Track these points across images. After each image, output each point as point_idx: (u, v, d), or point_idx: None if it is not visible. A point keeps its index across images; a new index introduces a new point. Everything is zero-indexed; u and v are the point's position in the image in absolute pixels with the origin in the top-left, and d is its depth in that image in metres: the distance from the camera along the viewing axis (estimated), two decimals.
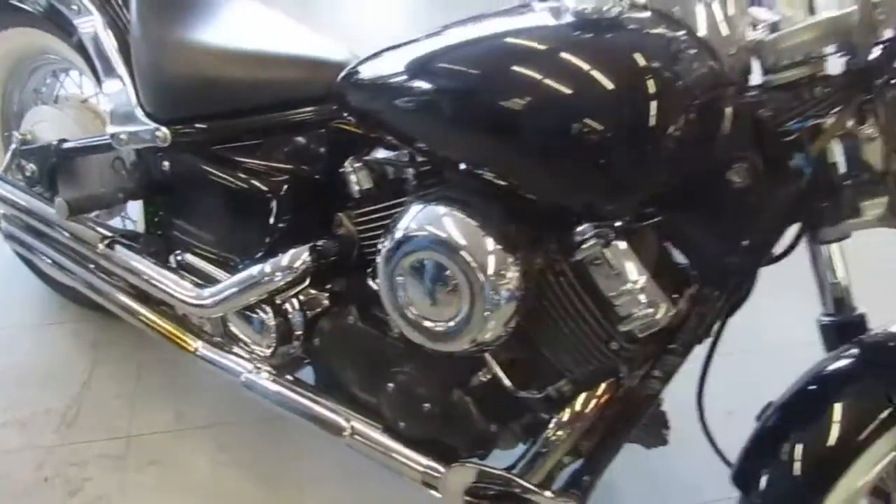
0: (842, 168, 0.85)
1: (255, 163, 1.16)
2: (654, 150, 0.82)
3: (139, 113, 1.18)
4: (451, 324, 0.93)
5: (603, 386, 0.98)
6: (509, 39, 0.87)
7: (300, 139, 1.14)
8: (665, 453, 1.15)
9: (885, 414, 0.85)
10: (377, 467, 1.10)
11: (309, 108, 1.10)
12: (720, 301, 0.92)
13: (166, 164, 1.22)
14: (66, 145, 1.34)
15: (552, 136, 0.83)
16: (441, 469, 1.02)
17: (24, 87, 1.57)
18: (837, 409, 0.87)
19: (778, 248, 0.93)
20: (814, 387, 0.91)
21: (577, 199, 0.89)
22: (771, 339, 1.62)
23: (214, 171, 1.17)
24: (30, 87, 1.57)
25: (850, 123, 0.82)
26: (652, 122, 0.80)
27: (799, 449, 0.88)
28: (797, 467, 0.88)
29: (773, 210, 0.86)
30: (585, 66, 0.80)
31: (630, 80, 0.80)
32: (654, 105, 0.79)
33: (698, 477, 1.31)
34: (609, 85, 0.80)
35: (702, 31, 0.84)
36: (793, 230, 0.91)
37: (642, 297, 0.90)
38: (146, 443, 1.42)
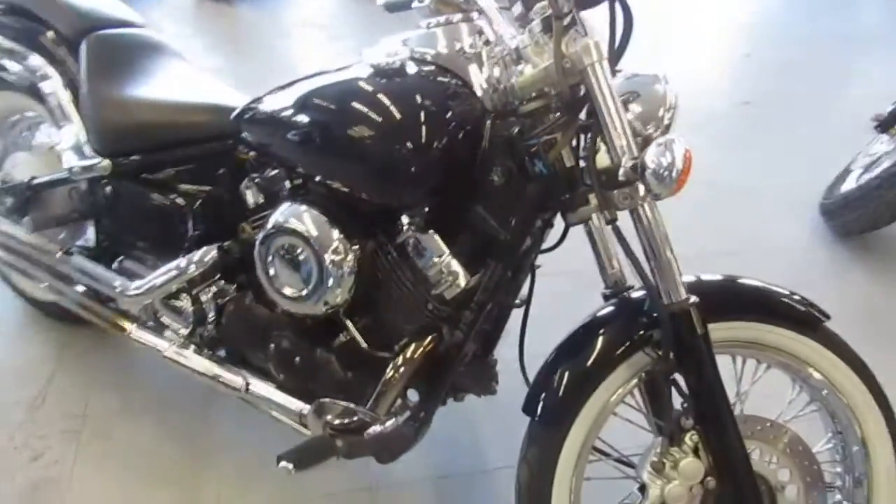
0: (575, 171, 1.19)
1: (175, 186, 1.50)
2: (427, 160, 1.16)
3: (87, 150, 1.52)
4: (306, 292, 1.26)
5: (428, 338, 1.30)
6: (330, 91, 1.22)
7: (209, 166, 1.48)
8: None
9: (620, 350, 1.18)
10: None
11: (213, 142, 1.45)
12: (503, 273, 1.25)
13: (108, 189, 1.57)
14: (35, 182, 1.69)
15: (361, 154, 1.18)
16: (307, 408, 1.34)
17: (5, 138, 1.92)
18: (591, 346, 1.20)
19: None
20: (579, 332, 1.24)
21: (385, 196, 1.23)
22: None
23: (144, 193, 1.52)
24: (10, 139, 1.92)
25: (573, 140, 1.17)
26: (423, 142, 1.14)
27: (564, 375, 1.20)
28: (562, 389, 1.20)
29: (527, 201, 1.20)
30: (375, 107, 1.16)
31: (405, 113, 1.15)
32: (423, 130, 1.14)
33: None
34: (391, 118, 1.15)
35: (472, 77, 1.20)
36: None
37: (444, 269, 1.23)
38: (98, 421, 1.73)
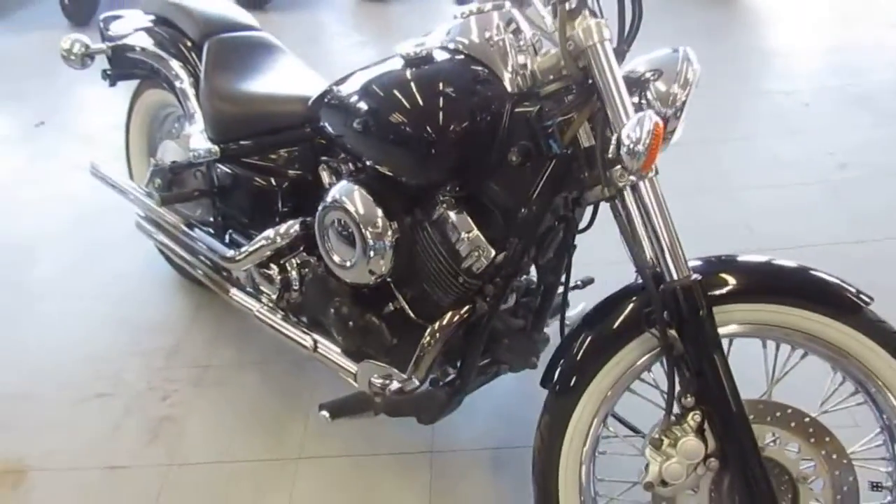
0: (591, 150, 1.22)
1: (268, 167, 1.72)
2: (451, 142, 1.25)
3: (204, 136, 1.79)
4: (352, 262, 1.41)
5: (462, 310, 1.40)
6: (370, 82, 1.35)
7: (296, 149, 1.68)
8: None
9: (629, 327, 1.20)
10: None
11: (299, 129, 1.64)
12: (525, 248, 1.31)
13: (219, 171, 1.83)
14: (172, 165, 2.01)
15: (395, 137, 1.30)
16: (355, 367, 1.49)
17: (160, 129, 2.29)
18: (606, 322, 1.23)
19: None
20: (597, 310, 1.27)
21: (417, 175, 1.34)
22: None
23: (245, 175, 1.76)
24: (163, 130, 2.28)
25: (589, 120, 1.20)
26: (447, 125, 1.24)
27: (577, 348, 1.24)
28: (574, 361, 1.24)
29: (544, 179, 1.25)
30: (407, 95, 1.27)
31: (430, 100, 1.25)
32: (446, 115, 1.23)
33: None
34: (419, 105, 1.26)
35: (498, 63, 1.27)
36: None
37: (472, 244, 1.32)
38: (218, 371, 2.01)
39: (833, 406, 1.22)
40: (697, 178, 2.58)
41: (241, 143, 1.73)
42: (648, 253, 1.16)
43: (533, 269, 1.48)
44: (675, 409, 1.16)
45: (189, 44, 1.94)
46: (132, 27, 2.06)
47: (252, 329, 2.04)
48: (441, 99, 1.25)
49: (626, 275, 1.24)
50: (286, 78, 1.80)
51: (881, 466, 1.22)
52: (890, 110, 2.88)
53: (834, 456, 1.16)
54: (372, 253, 1.38)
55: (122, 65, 2.10)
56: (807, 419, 1.16)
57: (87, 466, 1.77)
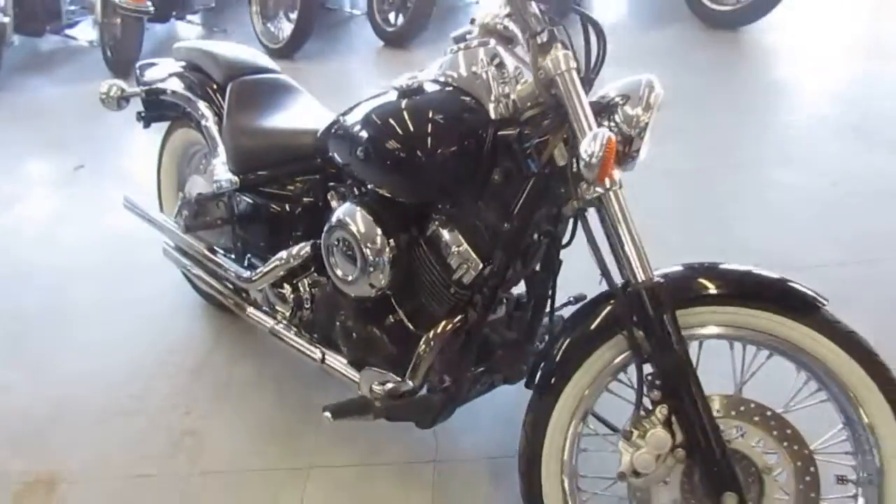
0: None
1: (283, 195, 1.87)
2: (439, 164, 1.38)
3: (226, 169, 1.95)
4: (353, 276, 1.54)
5: (454, 319, 1.51)
6: (367, 114, 1.49)
7: (308, 178, 1.83)
8: None
9: (603, 329, 1.31)
10: None
11: (310, 159, 1.79)
12: (509, 261, 1.42)
13: (239, 200, 1.99)
14: (199, 196, 2.17)
15: (389, 161, 1.43)
16: (358, 375, 1.61)
17: (188, 165, 2.47)
18: (582, 326, 1.34)
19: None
20: (576, 316, 1.38)
21: (409, 195, 1.48)
22: None
23: (262, 203, 1.91)
24: (192, 166, 2.46)
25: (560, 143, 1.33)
26: (435, 149, 1.37)
27: (556, 350, 1.35)
28: (553, 362, 1.35)
29: (524, 196, 1.37)
30: (399, 124, 1.40)
31: (419, 128, 1.38)
32: (435, 141, 1.37)
33: None
34: (410, 133, 1.39)
35: (483, 93, 1.41)
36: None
37: (461, 257, 1.44)
38: (237, 388, 2.14)
39: (798, 404, 1.30)
40: (692, 201, 2.69)
41: (258, 173, 1.89)
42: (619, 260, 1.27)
43: (523, 285, 1.60)
44: (646, 404, 1.25)
45: (214, 86, 2.12)
46: (165, 73, 2.26)
47: (269, 349, 2.17)
48: (430, 125, 1.39)
49: None
50: (301, 114, 1.96)
51: (846, 460, 1.29)
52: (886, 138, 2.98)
53: (795, 447, 1.24)
54: (371, 268, 1.51)
55: (154, 107, 2.29)
56: (769, 413, 1.25)
57: (113, 476, 1.90)
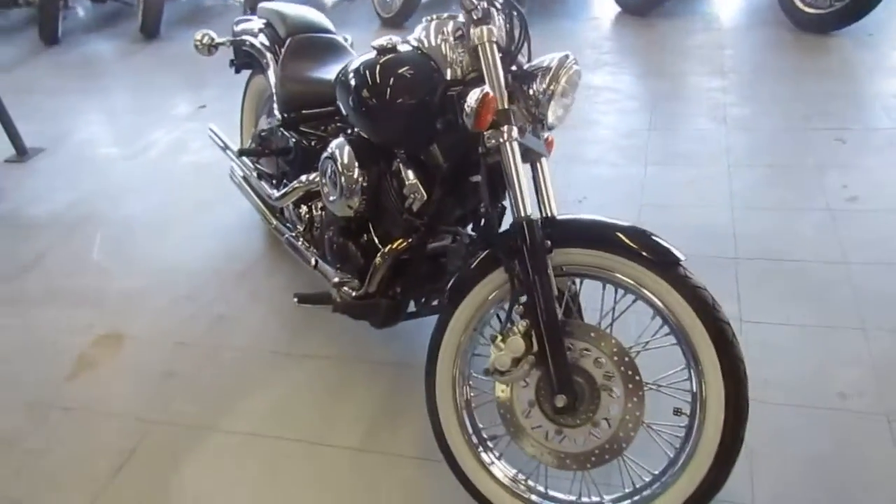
0: None
1: (312, 133, 2.27)
2: (401, 113, 1.69)
3: (276, 107, 2.39)
4: (336, 197, 1.92)
5: (407, 239, 1.84)
6: (350, 69, 1.80)
7: (329, 120, 2.22)
8: None
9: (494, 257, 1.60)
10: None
11: (332, 104, 2.17)
12: (447, 194, 1.73)
13: (282, 135, 2.42)
14: (260, 131, 2.63)
15: (364, 109, 1.75)
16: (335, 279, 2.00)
17: (264, 107, 2.94)
18: (483, 254, 1.64)
19: None
20: (485, 246, 1.67)
21: (375, 136, 1.81)
22: None
23: (297, 139, 2.33)
24: (266, 107, 2.93)
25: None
26: (396, 101, 1.69)
27: (463, 272, 1.66)
28: (459, 281, 1.66)
29: (458, 140, 1.66)
30: (371, 77, 1.72)
31: (386, 81, 1.70)
32: (397, 93, 1.68)
33: None
34: (377, 86, 1.71)
35: (439, 58, 1.71)
36: None
37: (412, 188, 1.77)
38: (268, 291, 2.61)
39: (652, 343, 1.53)
40: (706, 195, 2.83)
41: (290, 115, 2.30)
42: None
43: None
44: (514, 317, 1.54)
45: (280, 42, 2.56)
46: (250, 28, 2.73)
47: (299, 265, 2.62)
48: (394, 80, 1.71)
49: None
50: (337, 68, 2.35)
51: (684, 397, 1.51)
52: None
53: (629, 373, 1.48)
54: (348, 192, 1.87)
55: (240, 56, 2.77)
56: (611, 339, 1.49)
57: (163, 341, 2.42)
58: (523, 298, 1.52)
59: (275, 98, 2.43)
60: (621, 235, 1.50)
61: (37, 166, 3.92)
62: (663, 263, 1.47)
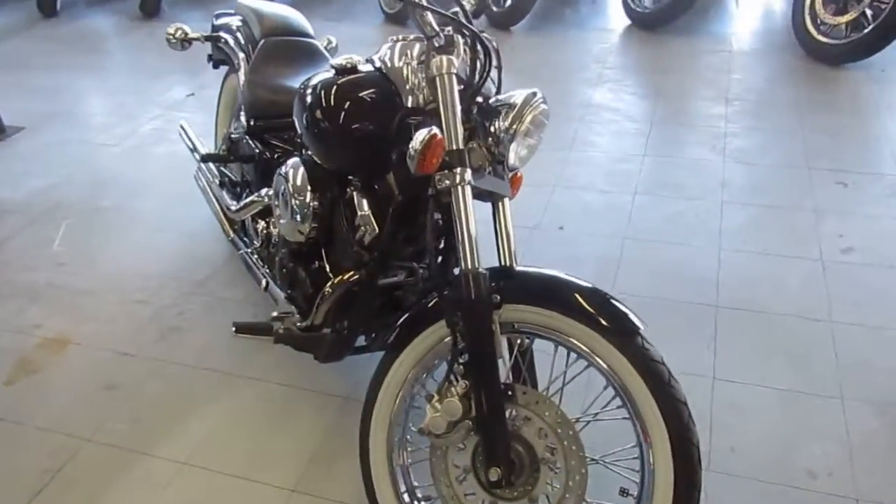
0: None
1: (275, 144, 2.15)
2: (354, 139, 1.57)
3: (243, 115, 2.26)
4: (287, 220, 1.79)
5: (356, 273, 1.72)
6: (306, 86, 1.67)
7: (291, 130, 2.09)
8: None
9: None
10: None
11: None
12: (399, 229, 1.60)
13: (247, 143, 2.29)
14: (226, 134, 2.50)
15: (315, 131, 1.62)
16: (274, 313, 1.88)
17: (238, 108, 2.81)
18: (427, 306, 1.52)
19: None
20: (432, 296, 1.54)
21: (328, 162, 1.69)
22: None
23: (259, 149, 2.20)
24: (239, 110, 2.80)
25: None
26: (350, 126, 1.56)
27: (405, 321, 1.54)
28: (399, 330, 1.53)
29: (411, 177, 1.54)
30: (324, 98, 1.59)
31: (340, 104, 1.57)
32: (349, 117, 1.55)
33: None
34: (331, 109, 1.58)
35: (399, 82, 1.58)
36: None
37: (364, 220, 1.65)
38: (227, 303, 2.48)
39: (601, 415, 1.40)
40: (694, 232, 2.69)
41: (256, 122, 2.18)
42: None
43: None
44: (453, 378, 1.41)
45: (254, 42, 2.43)
46: (232, 24, 2.59)
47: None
48: (349, 105, 1.58)
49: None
50: (306, 76, 2.22)
51: (633, 476, 1.39)
52: None
53: (573, 447, 1.36)
54: (298, 217, 1.75)
55: (216, 52, 2.64)
56: (558, 411, 1.37)
57: (108, 348, 2.30)
58: (464, 357, 1.39)
59: (241, 103, 2.31)
60: (578, 297, 1.38)
61: (13, 147, 3.80)
62: (620, 332, 1.34)
